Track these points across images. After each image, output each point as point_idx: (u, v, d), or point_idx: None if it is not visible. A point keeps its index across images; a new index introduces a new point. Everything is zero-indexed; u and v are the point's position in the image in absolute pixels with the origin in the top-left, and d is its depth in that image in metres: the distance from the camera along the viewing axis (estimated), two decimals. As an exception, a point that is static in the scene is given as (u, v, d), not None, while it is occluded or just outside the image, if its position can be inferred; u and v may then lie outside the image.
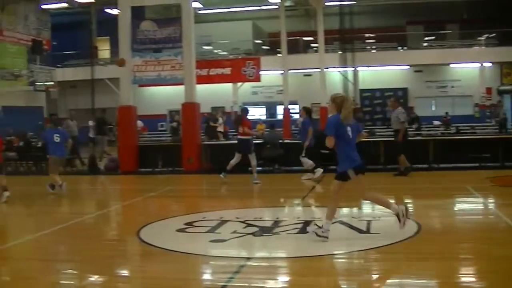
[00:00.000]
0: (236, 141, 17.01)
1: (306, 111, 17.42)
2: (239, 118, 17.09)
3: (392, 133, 17.51)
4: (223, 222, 10.47)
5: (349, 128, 8.51)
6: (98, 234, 10.83)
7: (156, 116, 39.92)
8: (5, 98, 31.64)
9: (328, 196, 9.13)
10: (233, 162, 16.52)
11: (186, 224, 10.33)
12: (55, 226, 10.92)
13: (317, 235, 8.61)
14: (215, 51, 42.38)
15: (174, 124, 31.93)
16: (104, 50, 42.46)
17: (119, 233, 11.02)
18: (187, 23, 20.61)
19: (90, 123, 27.94)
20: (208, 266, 8.16)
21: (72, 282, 7.58)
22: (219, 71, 35.50)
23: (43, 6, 37.33)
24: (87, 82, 35.40)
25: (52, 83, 32.99)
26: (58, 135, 15.43)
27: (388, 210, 8.85)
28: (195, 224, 10.48)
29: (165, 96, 36.37)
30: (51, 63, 37.08)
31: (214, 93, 35.64)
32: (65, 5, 37.45)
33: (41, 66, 32.19)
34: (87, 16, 40.14)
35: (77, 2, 36.30)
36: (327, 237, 8.50)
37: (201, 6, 36.51)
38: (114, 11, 30.70)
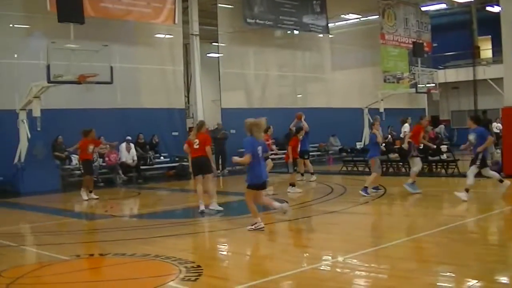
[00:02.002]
0: None
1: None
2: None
3: None
4: None
5: (260, 147, 10.49)
6: (478, 238, 10.52)
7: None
8: (388, 100, 32.55)
9: None
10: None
11: None
12: (435, 228, 10.82)
13: (254, 229, 10.80)
14: None
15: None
16: (486, 50, 41.28)
17: (501, 238, 10.49)
18: None
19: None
20: None
21: (449, 285, 7.42)
22: None
23: (423, 8, 37.62)
24: (469, 83, 34.77)
25: (433, 84, 32.97)
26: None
27: None
28: None
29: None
30: (432, 65, 37.18)
31: None
32: (444, 5, 37.31)
33: (423, 68, 32.39)
34: (467, 16, 39.51)
35: (456, 2, 35.89)
36: (263, 228, 10.87)
37: None
38: (496, 9, 29.68)
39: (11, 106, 20.62)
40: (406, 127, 25.18)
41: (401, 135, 25.26)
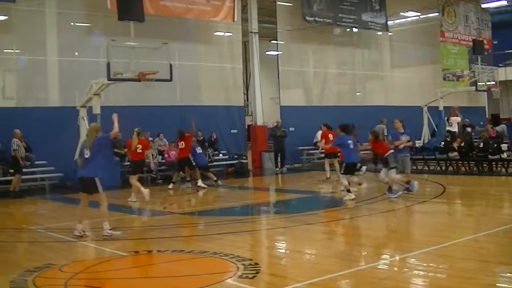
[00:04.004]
0: None
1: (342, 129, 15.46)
2: None
3: None
4: None
5: (88, 149, 11.06)
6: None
7: None
8: (448, 98, 32.13)
9: None
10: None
11: None
12: (495, 228, 10.65)
13: (109, 236, 10.74)
14: None
15: None
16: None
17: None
18: None
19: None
20: None
21: (509, 286, 7.30)
22: None
23: (483, 5, 37.00)
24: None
25: (494, 82, 32.35)
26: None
27: None
28: None
29: None
30: (493, 63, 36.50)
31: None
32: (504, 2, 36.54)
33: (483, 66, 31.81)
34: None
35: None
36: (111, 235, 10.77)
37: None
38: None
39: (71, 103, 21.01)
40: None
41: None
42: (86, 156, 11.10)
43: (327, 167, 20.46)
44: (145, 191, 15.55)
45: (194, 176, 19.86)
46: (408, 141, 15.84)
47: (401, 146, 15.61)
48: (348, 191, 14.80)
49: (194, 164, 19.57)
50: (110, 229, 10.88)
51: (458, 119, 28.17)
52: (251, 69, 29.25)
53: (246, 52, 30.71)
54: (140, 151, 16.81)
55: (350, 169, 15.15)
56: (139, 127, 17.12)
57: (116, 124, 11.54)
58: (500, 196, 16.08)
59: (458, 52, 35.42)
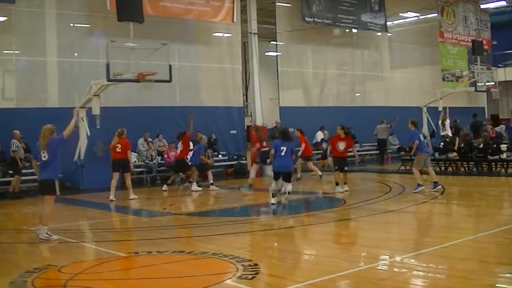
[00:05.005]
0: None
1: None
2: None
3: None
4: None
5: (44, 151, 11.07)
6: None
7: None
8: (447, 99, 32.13)
9: None
10: None
11: None
12: (496, 228, 10.65)
13: (46, 240, 10.65)
14: None
15: None
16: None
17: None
18: None
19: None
20: None
21: (509, 286, 7.27)
22: None
23: (482, 6, 37.03)
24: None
25: (493, 83, 32.35)
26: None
27: None
28: None
29: None
30: (492, 63, 36.51)
31: None
32: (504, 3, 36.55)
33: (482, 67, 31.82)
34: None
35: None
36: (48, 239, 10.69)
37: None
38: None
39: (71, 104, 20.99)
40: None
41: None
42: (44, 159, 11.09)
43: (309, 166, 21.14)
44: (112, 192, 17.12)
45: (191, 177, 19.97)
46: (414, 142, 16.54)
47: (413, 151, 16.81)
48: (273, 196, 15.11)
49: (190, 164, 19.85)
50: (47, 233, 10.85)
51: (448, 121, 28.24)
52: (250, 70, 29.24)
53: (245, 53, 30.69)
54: (120, 150, 17.10)
55: (276, 176, 15.31)
56: (123, 128, 17.34)
57: (72, 121, 11.56)
58: (499, 197, 16.08)
59: (458, 52, 35.52)
